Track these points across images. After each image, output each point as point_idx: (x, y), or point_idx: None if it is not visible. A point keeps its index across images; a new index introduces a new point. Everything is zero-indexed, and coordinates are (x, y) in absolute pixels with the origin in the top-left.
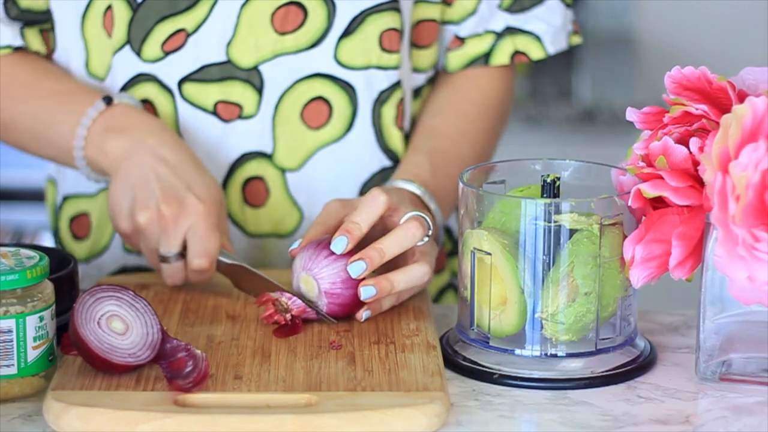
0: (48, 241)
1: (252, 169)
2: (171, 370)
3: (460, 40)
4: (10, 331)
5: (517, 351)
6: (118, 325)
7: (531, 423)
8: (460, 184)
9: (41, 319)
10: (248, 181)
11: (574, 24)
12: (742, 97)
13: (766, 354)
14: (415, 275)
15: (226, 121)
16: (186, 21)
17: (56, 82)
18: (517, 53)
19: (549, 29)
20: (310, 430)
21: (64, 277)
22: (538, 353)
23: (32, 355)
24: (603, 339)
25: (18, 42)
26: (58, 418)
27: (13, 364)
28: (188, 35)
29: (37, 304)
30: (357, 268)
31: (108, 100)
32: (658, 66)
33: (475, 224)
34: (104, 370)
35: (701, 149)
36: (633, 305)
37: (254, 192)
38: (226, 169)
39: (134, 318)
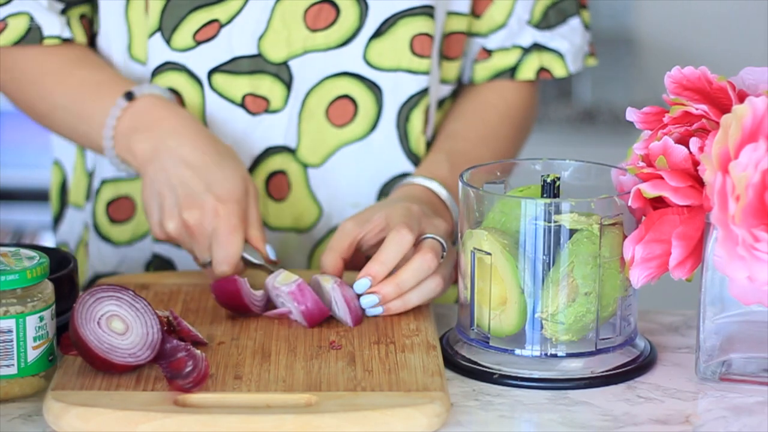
0: (48, 241)
1: (276, 163)
2: (171, 370)
3: (488, 53)
4: (10, 331)
5: (517, 351)
6: (118, 325)
7: (531, 423)
8: (460, 184)
9: (41, 319)
10: (272, 175)
11: (590, 46)
12: (742, 97)
13: (766, 354)
14: (429, 290)
15: (253, 114)
16: (220, 12)
17: (88, 71)
18: (541, 70)
19: (571, 48)
20: (310, 430)
21: (64, 277)
22: (538, 353)
23: (32, 355)
24: (603, 339)
25: (66, 34)
26: (58, 418)
27: (13, 364)
28: (221, 26)
29: (37, 304)
30: (369, 301)
31: (129, 96)
32: (658, 66)
33: (475, 224)
34: (104, 370)
35: (701, 149)
36: (633, 305)
37: (277, 186)
38: (251, 161)
39: (134, 318)
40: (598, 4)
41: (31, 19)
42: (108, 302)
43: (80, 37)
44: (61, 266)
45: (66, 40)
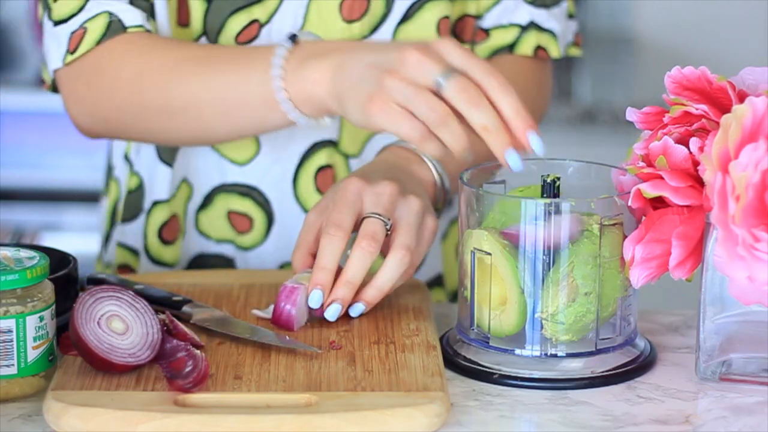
0: (50, 242)
1: (322, 158)
2: (171, 370)
3: (485, 33)
4: (10, 331)
5: (517, 351)
6: (118, 325)
7: (531, 423)
8: (460, 184)
9: (41, 319)
10: (319, 170)
11: (576, 36)
12: (742, 97)
13: (766, 354)
14: (395, 266)
15: None
16: (259, 12)
17: (222, 48)
18: (539, 48)
19: (561, 31)
20: (310, 430)
21: (64, 277)
22: (538, 353)
23: (32, 355)
24: (603, 339)
25: (148, 26)
26: (58, 418)
27: (13, 364)
28: (261, 26)
29: (37, 304)
30: (334, 311)
31: (293, 38)
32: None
33: (475, 224)
34: (104, 370)
35: (701, 149)
36: (633, 305)
37: (325, 180)
38: (298, 159)
39: (134, 318)
40: (598, 4)
41: (110, 14)
42: (108, 302)
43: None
44: (61, 266)
45: (148, 32)
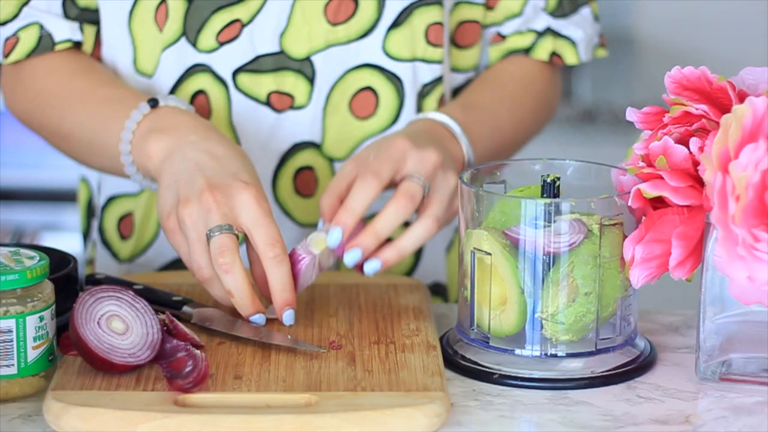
0: (50, 242)
1: (303, 159)
2: (171, 370)
3: (502, 37)
4: (10, 331)
5: (517, 351)
6: (118, 325)
7: (531, 423)
8: (460, 184)
9: (41, 319)
10: (299, 172)
11: (601, 37)
12: (742, 97)
13: (766, 354)
14: (421, 233)
15: (278, 111)
16: (241, 11)
17: (110, 88)
18: (554, 55)
19: (584, 37)
20: (310, 430)
21: (64, 277)
22: (538, 353)
23: (32, 355)
24: (603, 339)
25: (77, 36)
26: (58, 418)
27: (13, 364)
28: (243, 26)
29: (37, 304)
30: (353, 256)
31: (153, 103)
32: (658, 66)
33: (475, 224)
34: (104, 370)
35: (701, 149)
36: (633, 305)
37: (305, 182)
38: (278, 159)
39: (134, 318)
40: (598, 4)
41: (41, 27)
42: (108, 302)
43: (91, 45)
44: (61, 266)
45: (77, 44)
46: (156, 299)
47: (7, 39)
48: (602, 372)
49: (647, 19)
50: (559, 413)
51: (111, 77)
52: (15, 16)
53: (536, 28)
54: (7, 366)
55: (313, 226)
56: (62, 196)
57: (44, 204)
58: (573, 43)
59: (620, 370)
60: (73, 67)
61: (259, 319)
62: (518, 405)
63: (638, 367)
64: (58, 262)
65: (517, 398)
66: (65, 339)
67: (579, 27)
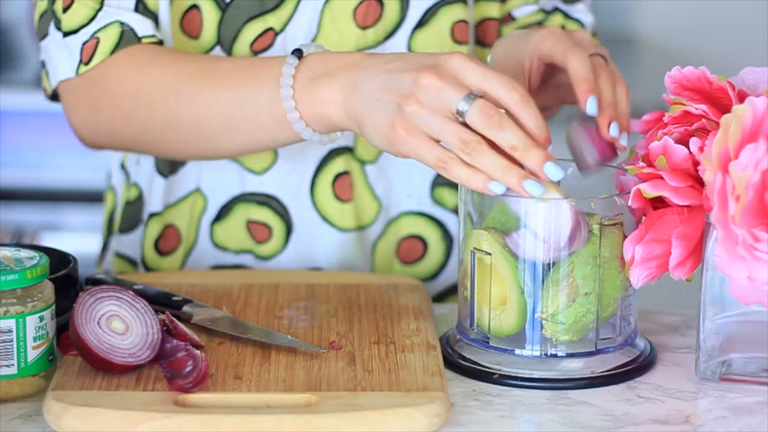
0: (50, 242)
1: (340, 164)
2: (171, 370)
3: (513, 19)
4: (10, 331)
5: (517, 351)
6: (118, 325)
7: (531, 423)
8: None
9: (41, 319)
10: (337, 177)
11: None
12: (742, 97)
13: (766, 354)
14: (626, 95)
15: None
16: (274, 20)
17: (228, 61)
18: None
19: (592, 23)
20: (310, 430)
21: (64, 277)
22: (538, 353)
23: (32, 355)
24: (603, 339)
25: (159, 35)
26: (58, 418)
27: (13, 364)
28: (276, 34)
29: (37, 304)
30: (625, 139)
31: (299, 53)
32: (658, 66)
33: (475, 224)
34: (104, 370)
35: (701, 149)
36: (633, 305)
37: (343, 187)
38: (316, 165)
39: (134, 318)
40: (598, 4)
41: (122, 23)
42: (108, 302)
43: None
44: (61, 266)
45: (160, 42)
46: (156, 299)
47: (84, 44)
48: (602, 372)
49: (647, 19)
50: (559, 413)
51: (215, 55)
52: (92, 19)
53: (545, 7)
54: (7, 366)
55: (350, 231)
56: (62, 196)
57: (44, 204)
58: (582, 25)
59: (620, 370)
60: (173, 54)
61: (534, 187)
62: (518, 405)
63: (638, 367)
64: (58, 262)
65: (517, 398)
66: (65, 339)
67: (583, 14)
